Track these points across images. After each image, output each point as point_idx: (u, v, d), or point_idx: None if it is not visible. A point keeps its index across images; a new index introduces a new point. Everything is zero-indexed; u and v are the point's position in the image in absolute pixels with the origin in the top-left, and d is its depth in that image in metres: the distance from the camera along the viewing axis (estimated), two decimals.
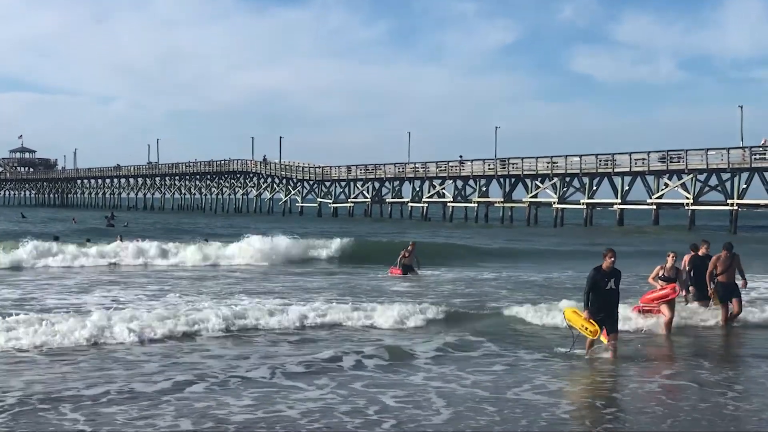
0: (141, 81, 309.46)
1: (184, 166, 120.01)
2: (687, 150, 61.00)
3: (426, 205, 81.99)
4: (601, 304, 12.64)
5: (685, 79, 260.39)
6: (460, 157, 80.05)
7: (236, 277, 25.71)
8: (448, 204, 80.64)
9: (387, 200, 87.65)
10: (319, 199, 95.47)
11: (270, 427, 8.71)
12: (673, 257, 16.00)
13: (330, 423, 8.89)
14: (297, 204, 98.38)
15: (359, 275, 26.85)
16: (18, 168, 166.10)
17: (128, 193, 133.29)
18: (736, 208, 58.10)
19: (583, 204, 67.76)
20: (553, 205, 70.04)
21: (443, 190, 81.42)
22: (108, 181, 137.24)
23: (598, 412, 9.81)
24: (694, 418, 9.43)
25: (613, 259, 12.63)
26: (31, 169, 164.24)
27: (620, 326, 13.55)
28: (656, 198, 62.56)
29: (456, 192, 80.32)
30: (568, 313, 13.39)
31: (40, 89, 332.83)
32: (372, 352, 12.69)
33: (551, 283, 24.35)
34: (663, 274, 15.94)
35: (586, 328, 12.70)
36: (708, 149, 59.88)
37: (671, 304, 15.57)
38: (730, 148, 59.20)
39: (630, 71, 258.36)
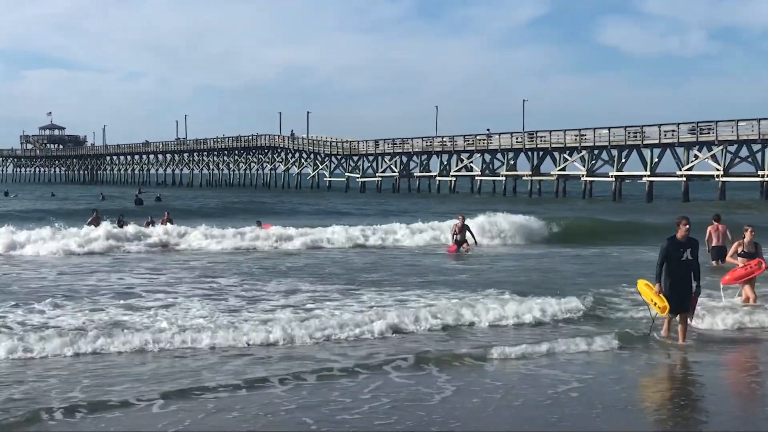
0: (169, 57, 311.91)
1: (212, 142, 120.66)
2: (717, 121, 60.60)
3: (454, 179, 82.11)
4: (676, 278, 11.72)
5: (714, 51, 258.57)
6: (488, 130, 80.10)
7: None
8: (476, 178, 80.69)
9: (415, 174, 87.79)
10: (347, 174, 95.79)
11: None
12: (751, 232, 15.36)
13: None
14: (325, 179, 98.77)
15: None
16: (47, 145, 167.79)
17: (157, 170, 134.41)
18: (767, 179, 57.79)
19: (611, 176, 67.61)
20: (582, 178, 69.93)
21: (471, 164, 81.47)
22: (137, 157, 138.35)
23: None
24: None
25: (687, 226, 11.61)
26: (61, 146, 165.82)
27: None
28: (686, 170, 62.29)
29: (484, 165, 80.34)
30: (640, 285, 12.54)
31: (68, 66, 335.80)
32: None
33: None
34: (742, 250, 15.12)
35: (656, 303, 11.91)
36: (738, 120, 59.47)
37: (753, 283, 14.72)
38: (761, 119, 58.73)
39: (659, 43, 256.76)
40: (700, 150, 62.16)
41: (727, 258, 15.17)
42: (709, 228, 21.65)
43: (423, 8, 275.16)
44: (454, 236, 26.52)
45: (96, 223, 32.25)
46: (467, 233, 26.66)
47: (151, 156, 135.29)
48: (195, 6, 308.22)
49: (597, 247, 28.03)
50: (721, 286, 14.60)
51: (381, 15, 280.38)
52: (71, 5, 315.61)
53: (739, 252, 15.10)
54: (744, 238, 15.07)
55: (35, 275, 19.59)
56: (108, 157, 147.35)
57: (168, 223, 32.57)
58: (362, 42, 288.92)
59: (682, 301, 11.80)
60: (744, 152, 59.89)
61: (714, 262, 20.90)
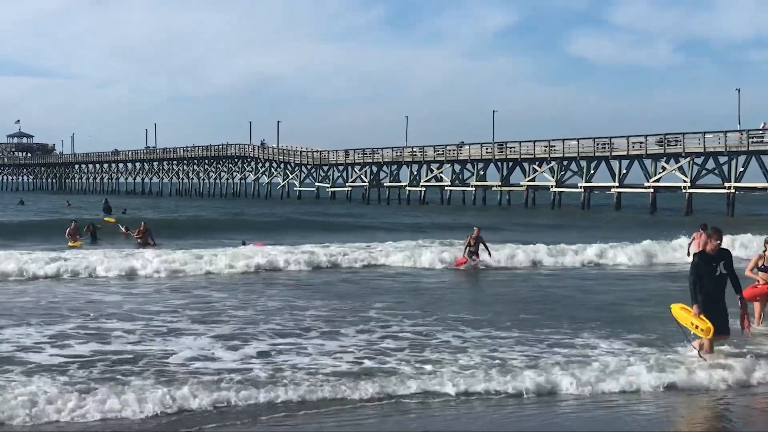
0: (140, 65, 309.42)
1: (182, 151, 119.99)
2: (684, 133, 61.02)
3: (424, 189, 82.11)
4: (710, 294, 10.83)
5: (682, 62, 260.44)
6: (461, 143, 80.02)
7: None
8: (446, 188, 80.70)
9: (385, 184, 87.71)
10: (317, 184, 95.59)
11: None
12: None
13: None
14: (295, 188, 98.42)
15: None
16: (15, 153, 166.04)
17: (126, 178, 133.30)
18: (733, 191, 58.23)
19: (580, 187, 67.85)
20: (551, 189, 70.13)
21: (441, 174, 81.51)
22: (106, 166, 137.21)
23: None
24: None
25: (718, 241, 10.94)
26: (29, 154, 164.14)
27: None
28: (653, 181, 62.64)
29: (454, 176, 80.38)
30: (675, 310, 11.42)
31: (38, 73, 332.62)
32: None
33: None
34: (763, 264, 13.83)
35: (697, 326, 10.87)
36: (705, 132, 59.92)
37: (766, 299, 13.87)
38: (727, 132, 59.30)
39: (627, 54, 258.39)
40: (667, 162, 62.56)
41: (746, 272, 13.76)
42: (694, 234, 23.77)
43: (394, 18, 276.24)
44: (467, 248, 25.22)
45: (74, 233, 32.04)
46: (481, 245, 25.34)
47: (120, 165, 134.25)
48: (167, 12, 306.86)
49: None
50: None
51: (352, 24, 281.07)
52: (42, 11, 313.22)
53: (759, 266, 14.00)
54: (765, 251, 13.94)
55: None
56: (77, 166, 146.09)
57: (144, 234, 32.41)
58: (333, 51, 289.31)
59: (723, 318, 10.97)
60: (711, 164, 60.34)
61: None
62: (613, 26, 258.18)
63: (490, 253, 25.41)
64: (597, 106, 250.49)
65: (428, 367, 10.68)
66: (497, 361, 11.08)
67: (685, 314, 11.15)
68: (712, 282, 10.86)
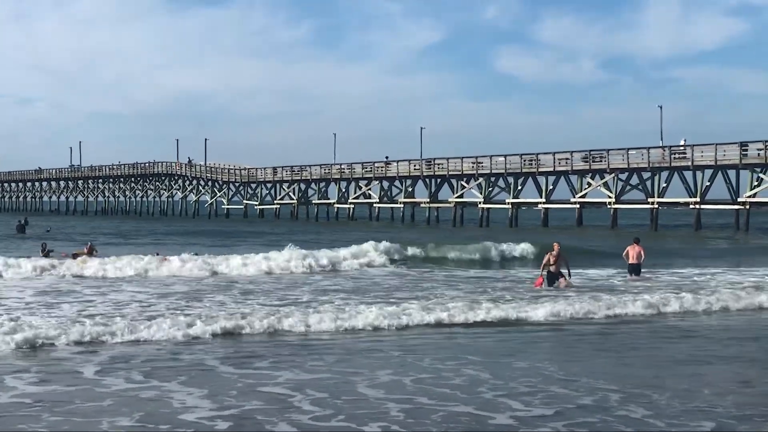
0: (61, 81, 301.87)
1: (107, 169, 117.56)
2: (609, 150, 61.46)
3: (352, 206, 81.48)
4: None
5: (605, 79, 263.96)
6: (386, 157, 79.79)
7: None
8: (374, 205, 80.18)
9: (313, 201, 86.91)
10: (245, 201, 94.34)
11: None
12: None
13: None
14: (223, 206, 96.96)
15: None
16: None
17: (50, 197, 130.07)
18: (656, 206, 58.78)
19: (508, 204, 67.84)
20: (479, 205, 69.99)
21: (369, 191, 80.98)
22: (29, 184, 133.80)
23: None
24: None
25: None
26: None
27: None
28: (579, 197, 62.92)
29: (382, 193, 79.91)
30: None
31: None
32: None
33: None
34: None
35: None
36: (629, 149, 60.42)
37: None
38: (650, 148, 59.89)
39: (552, 71, 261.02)
40: (593, 177, 62.91)
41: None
42: (628, 248, 25.24)
43: (321, 33, 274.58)
44: (545, 267, 22.02)
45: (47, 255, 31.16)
46: (563, 264, 22.17)
47: (44, 183, 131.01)
48: (88, 29, 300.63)
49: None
50: None
51: (278, 40, 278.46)
52: None
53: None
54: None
55: None
56: None
57: (92, 253, 31.95)
58: (259, 66, 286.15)
59: None
60: (635, 180, 60.84)
61: (629, 276, 24.71)
62: (539, 43, 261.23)
63: (570, 274, 22.19)
64: (523, 121, 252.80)
65: None
66: None
67: None
68: None
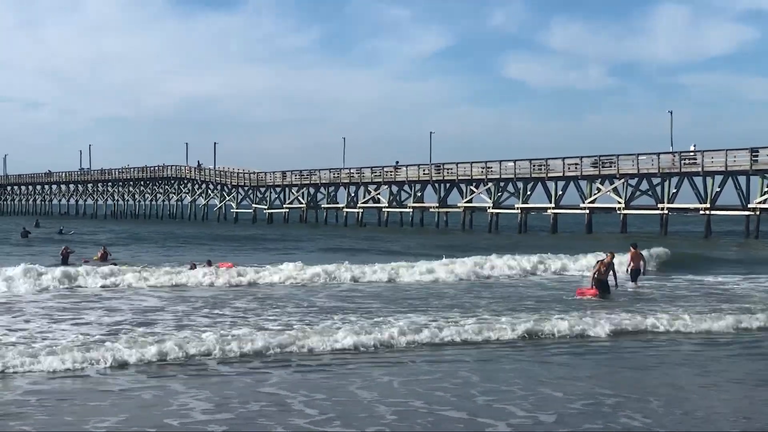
0: (70, 86, 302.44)
1: (117, 173, 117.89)
2: (618, 155, 61.33)
3: (361, 210, 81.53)
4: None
5: (614, 85, 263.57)
6: (397, 162, 79.78)
7: None
8: (383, 209, 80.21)
9: (322, 206, 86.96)
10: (254, 205, 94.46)
11: None
12: None
13: None
14: (232, 210, 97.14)
15: None
16: None
17: (60, 200, 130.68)
18: (666, 212, 58.65)
19: (517, 208, 67.78)
20: (488, 210, 69.96)
21: (378, 196, 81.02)
22: (39, 187, 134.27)
23: None
24: None
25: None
26: None
27: None
28: (589, 202, 62.82)
29: (391, 197, 79.92)
30: None
31: None
32: None
33: None
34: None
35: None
36: (639, 154, 60.29)
37: None
38: (660, 153, 59.74)
39: (560, 77, 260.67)
40: (602, 183, 62.80)
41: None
42: (629, 254, 25.49)
43: (329, 40, 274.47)
44: (595, 275, 21.84)
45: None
46: (611, 273, 22.22)
47: (54, 186, 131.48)
48: (97, 35, 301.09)
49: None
50: None
51: (286, 46, 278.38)
52: None
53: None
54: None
55: None
56: (9, 188, 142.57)
57: (105, 258, 33.21)
58: (268, 72, 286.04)
59: None
60: (644, 185, 60.74)
61: (632, 282, 24.63)
62: (547, 49, 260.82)
63: (617, 283, 22.40)
64: (533, 127, 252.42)
65: None
66: None
67: None
68: None
